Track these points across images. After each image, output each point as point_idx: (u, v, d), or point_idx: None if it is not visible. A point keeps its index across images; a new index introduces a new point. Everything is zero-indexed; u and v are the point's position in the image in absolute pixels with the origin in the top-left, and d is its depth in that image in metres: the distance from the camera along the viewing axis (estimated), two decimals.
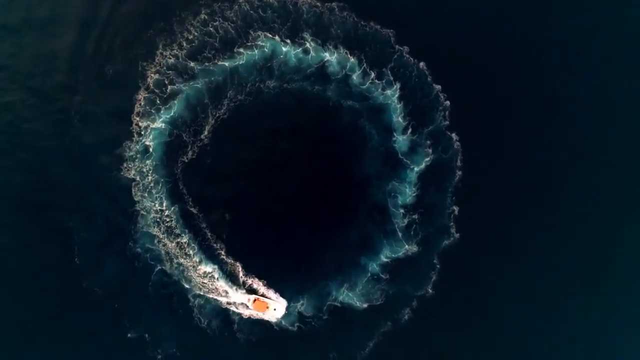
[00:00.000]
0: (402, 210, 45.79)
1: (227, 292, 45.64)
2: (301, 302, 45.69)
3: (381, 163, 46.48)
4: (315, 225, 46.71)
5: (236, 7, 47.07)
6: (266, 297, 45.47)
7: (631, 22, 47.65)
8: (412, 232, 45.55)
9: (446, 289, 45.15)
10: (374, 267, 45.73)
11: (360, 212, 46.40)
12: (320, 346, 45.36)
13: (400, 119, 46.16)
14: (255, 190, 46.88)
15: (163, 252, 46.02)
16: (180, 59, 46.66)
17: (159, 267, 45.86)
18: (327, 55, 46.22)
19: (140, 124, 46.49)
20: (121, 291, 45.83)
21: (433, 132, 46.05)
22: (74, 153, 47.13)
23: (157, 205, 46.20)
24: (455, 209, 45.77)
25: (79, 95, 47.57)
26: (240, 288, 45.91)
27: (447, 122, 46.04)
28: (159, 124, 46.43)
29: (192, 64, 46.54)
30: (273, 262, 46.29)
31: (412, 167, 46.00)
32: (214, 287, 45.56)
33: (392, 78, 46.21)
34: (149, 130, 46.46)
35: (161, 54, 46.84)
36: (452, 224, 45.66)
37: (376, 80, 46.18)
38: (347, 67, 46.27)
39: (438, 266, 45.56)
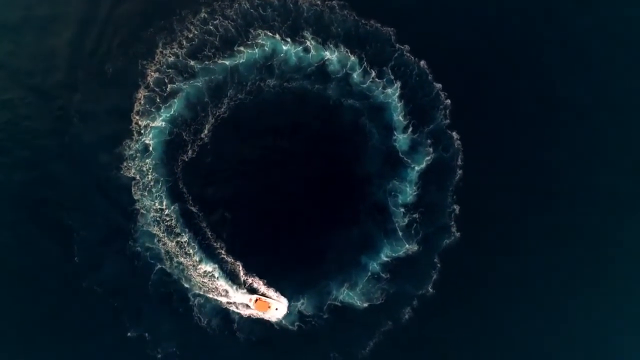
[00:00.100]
0: (402, 209, 45.46)
1: (227, 292, 45.25)
2: (301, 301, 45.34)
3: (382, 162, 46.17)
4: (316, 224, 46.34)
5: (236, 5, 46.74)
6: (267, 297, 45.10)
7: (631, 22, 47.20)
8: (412, 231, 45.22)
9: (447, 288, 44.81)
10: (374, 266, 45.40)
11: (360, 211, 46.06)
12: (320, 345, 45.00)
13: (400, 118, 45.84)
14: (256, 189, 46.54)
15: (163, 251, 45.65)
16: (180, 58, 46.32)
17: (158, 266, 45.46)
18: (327, 54, 45.92)
19: (140, 122, 46.13)
20: (121, 290, 45.41)
21: (434, 130, 45.72)
22: (73, 151, 46.74)
23: (157, 204, 45.83)
24: (456, 208, 45.41)
25: (79, 94, 47.17)
26: (240, 287, 45.56)
27: (447, 121, 45.71)
28: (159, 122, 46.07)
29: (192, 63, 46.21)
30: (273, 261, 45.99)
31: (412, 166, 45.69)
32: (214, 287, 45.19)
33: (392, 77, 45.89)
34: (148, 129, 46.09)
35: (161, 52, 46.48)
36: (452, 223, 45.33)
37: (377, 79, 45.88)
38: (348, 66, 45.96)
39: (439, 265, 45.21)
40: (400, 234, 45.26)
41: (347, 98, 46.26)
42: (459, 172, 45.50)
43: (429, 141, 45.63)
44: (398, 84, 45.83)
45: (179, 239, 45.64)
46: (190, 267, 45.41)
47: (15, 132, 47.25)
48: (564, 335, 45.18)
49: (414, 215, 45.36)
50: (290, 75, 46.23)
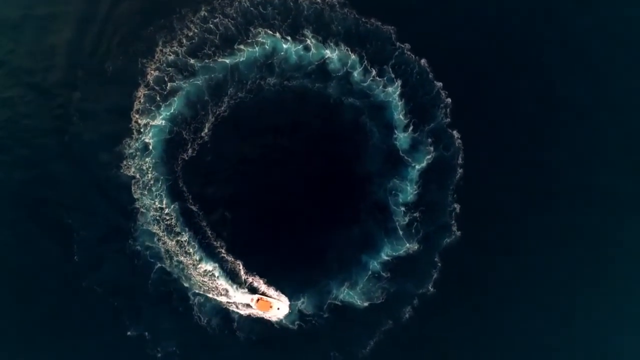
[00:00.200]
0: (403, 208, 45.07)
1: (227, 291, 44.86)
2: (302, 300, 44.94)
3: (382, 161, 45.79)
4: (316, 223, 45.96)
5: (236, 3, 46.40)
6: (268, 296, 44.76)
7: (631, 22, 46.87)
8: (413, 230, 44.84)
9: (447, 287, 44.41)
10: (374, 265, 45.01)
11: (361, 210, 45.68)
12: (320, 345, 44.62)
13: (401, 117, 45.46)
14: (256, 188, 46.17)
15: (163, 250, 45.29)
16: (180, 56, 45.99)
17: (158, 265, 45.10)
18: (328, 53, 45.57)
19: (139, 121, 45.82)
20: (121, 289, 45.06)
21: (434, 129, 45.34)
22: (73, 150, 46.43)
23: (157, 203, 45.50)
24: (457, 207, 45.00)
25: (79, 92, 46.90)
26: (240, 287, 45.18)
27: (448, 120, 45.32)
28: (159, 121, 45.73)
29: (192, 61, 45.89)
30: (273, 260, 45.61)
31: (413, 164, 45.31)
32: (214, 286, 44.82)
33: (393, 75, 45.51)
34: (148, 128, 45.75)
35: (161, 50, 46.16)
36: (453, 222, 44.92)
37: (377, 78, 45.51)
38: (348, 65, 45.58)
39: (439, 264, 44.80)
40: (401, 232, 44.89)
41: (348, 97, 45.91)
42: (460, 170, 45.10)
43: (429, 140, 45.25)
44: (399, 83, 45.45)
45: (179, 238, 45.27)
46: (190, 266, 45.05)
47: (15, 131, 47.00)
48: (564, 335, 44.74)
49: (415, 214, 44.98)
50: (291, 74, 45.87)
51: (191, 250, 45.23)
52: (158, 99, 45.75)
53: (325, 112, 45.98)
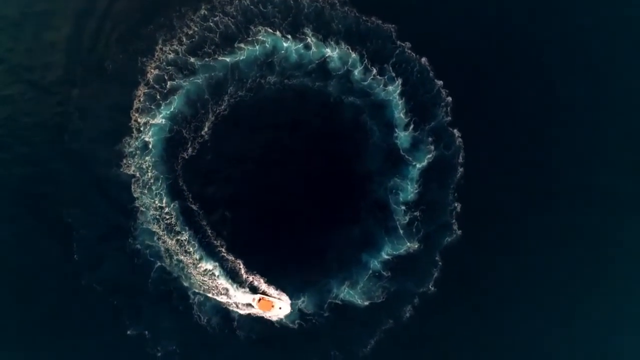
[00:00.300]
0: (403, 207, 44.71)
1: (227, 290, 44.52)
2: (302, 299, 44.63)
3: (383, 160, 45.43)
4: (316, 222, 45.61)
5: (236, 2, 45.97)
6: (270, 296, 44.45)
7: (631, 22, 46.58)
8: (413, 229, 44.50)
9: (448, 286, 44.08)
10: (375, 264, 44.68)
11: (361, 209, 45.32)
12: (321, 344, 44.30)
13: (402, 115, 45.11)
14: (256, 187, 45.83)
15: (163, 248, 44.98)
16: (180, 55, 45.65)
17: (158, 264, 44.78)
18: (328, 51, 45.21)
19: (139, 120, 45.47)
20: (120, 288, 44.72)
21: (435, 128, 44.98)
22: (73, 148, 46.01)
23: (156, 201, 45.17)
24: (457, 205, 44.64)
25: (78, 91, 46.54)
26: (240, 286, 44.84)
27: (449, 118, 44.96)
28: (159, 119, 45.39)
29: (192, 60, 45.53)
30: (274, 259, 45.29)
31: (413, 163, 44.96)
32: (214, 285, 44.50)
33: (393, 74, 45.16)
34: (148, 126, 45.41)
35: (161, 49, 45.79)
36: (454, 221, 44.56)
37: (378, 76, 45.18)
38: (349, 63, 45.24)
39: (440, 263, 44.47)
40: (401, 231, 44.53)
41: (348, 95, 45.56)
42: (460, 169, 44.74)
43: (430, 139, 44.90)
44: (399, 81, 45.09)
45: (179, 237, 44.94)
46: (191, 265, 44.73)
47: (15, 128, 46.65)
48: (564, 335, 44.47)
49: (415, 213, 44.62)
50: (291, 73, 45.53)
51: (191, 249, 44.91)
52: (158, 97, 45.38)
53: (326, 111, 45.63)
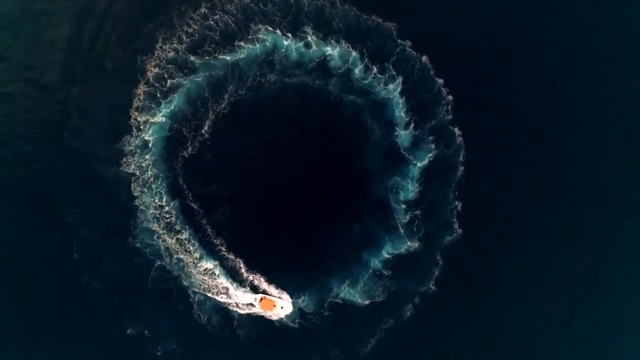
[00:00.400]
0: (404, 206, 44.36)
1: (227, 289, 44.19)
2: (302, 298, 44.28)
3: (383, 158, 45.12)
4: (317, 221, 45.29)
5: (236, 0, 45.79)
6: (271, 295, 44.15)
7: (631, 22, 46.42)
8: (414, 228, 44.16)
9: (449, 285, 43.73)
10: (375, 263, 44.35)
11: (361, 208, 45.00)
12: (321, 343, 43.95)
13: (402, 114, 44.81)
14: (256, 186, 45.52)
15: (163, 247, 44.65)
16: (180, 53, 45.37)
17: (158, 263, 44.45)
18: (328, 50, 44.93)
19: (138, 118, 45.19)
20: (120, 287, 44.38)
21: (435, 127, 44.69)
22: (72, 146, 45.80)
23: (156, 200, 44.84)
24: (458, 204, 44.29)
25: (78, 89, 46.33)
26: (241, 285, 44.50)
27: (449, 117, 44.66)
28: (159, 118, 45.09)
29: (192, 58, 45.24)
30: (274, 258, 44.93)
31: (414, 162, 44.66)
32: (214, 284, 44.18)
33: (394, 72, 44.89)
34: (148, 125, 45.10)
35: (161, 47, 45.56)
36: (454, 219, 44.24)
37: (378, 75, 44.90)
38: (349, 62, 44.96)
39: (440, 262, 44.13)
40: (402, 230, 44.19)
41: (349, 94, 45.28)
42: (461, 168, 44.46)
43: (430, 137, 44.60)
44: (400, 80, 44.81)
45: (179, 236, 44.63)
46: (191, 264, 44.40)
47: (15, 126, 46.50)
48: (564, 335, 44.21)
49: (416, 212, 44.29)
50: (291, 71, 45.25)
51: (191, 248, 44.60)
52: (158, 95, 45.13)
53: (326, 110, 45.35)
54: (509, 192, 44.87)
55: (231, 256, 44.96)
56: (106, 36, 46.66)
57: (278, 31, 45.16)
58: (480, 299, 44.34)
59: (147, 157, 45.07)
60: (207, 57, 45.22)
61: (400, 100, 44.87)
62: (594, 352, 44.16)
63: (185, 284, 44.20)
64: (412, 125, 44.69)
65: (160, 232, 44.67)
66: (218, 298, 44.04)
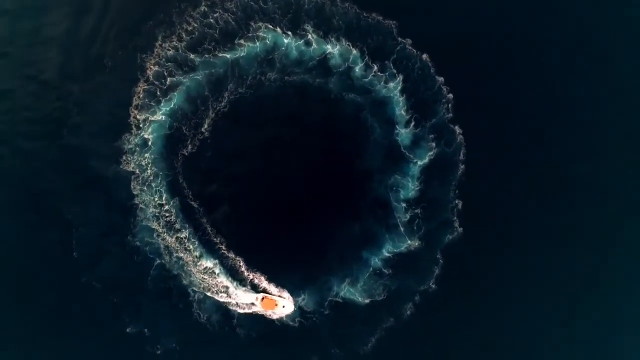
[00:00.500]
0: (404, 205, 44.08)
1: (228, 288, 43.85)
2: (303, 297, 43.94)
3: (384, 157, 44.82)
4: (317, 219, 44.99)
5: None
6: (272, 294, 43.83)
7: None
8: (414, 227, 43.83)
9: (449, 284, 43.42)
10: (376, 262, 44.03)
11: (362, 206, 44.70)
12: (321, 342, 43.60)
13: (403, 112, 44.53)
14: (256, 184, 45.19)
15: (163, 246, 44.34)
16: (180, 51, 45.09)
17: (158, 262, 44.15)
18: (329, 48, 44.62)
19: (138, 117, 44.92)
20: (120, 286, 44.09)
21: (436, 125, 44.38)
22: (72, 144, 45.62)
23: (156, 199, 44.50)
24: (459, 203, 43.93)
25: (78, 86, 46.22)
26: (241, 284, 44.15)
27: (450, 116, 44.34)
28: (159, 116, 44.80)
29: (192, 56, 44.95)
30: (274, 257, 44.63)
31: (415, 161, 44.34)
32: (214, 283, 43.85)
33: (395, 71, 44.56)
34: (148, 123, 44.80)
35: (161, 46, 45.32)
36: (455, 218, 43.91)
37: (379, 73, 44.56)
38: (350, 60, 44.63)
39: (441, 261, 43.77)
40: (402, 229, 43.88)
41: (349, 93, 45.01)
42: (462, 167, 44.15)
43: (431, 136, 44.29)
44: (400, 78, 44.53)
45: (179, 235, 44.32)
46: (191, 263, 44.09)
47: (15, 123, 46.33)
48: (564, 335, 43.88)
49: (416, 211, 43.99)
50: (292, 70, 44.95)
51: (191, 246, 44.31)
52: (158, 94, 44.87)
53: (326, 108, 45.07)
54: (509, 191, 44.52)
55: (231, 255, 44.66)
56: (106, 34, 46.49)
57: (278, 29, 44.87)
58: (480, 298, 43.97)
59: (147, 155, 44.78)
60: (207, 56, 44.93)
61: (401, 99, 44.56)
62: (594, 352, 43.83)
63: (185, 283, 43.87)
64: (413, 123, 44.40)
65: (160, 230, 44.38)
66: (218, 297, 43.68)
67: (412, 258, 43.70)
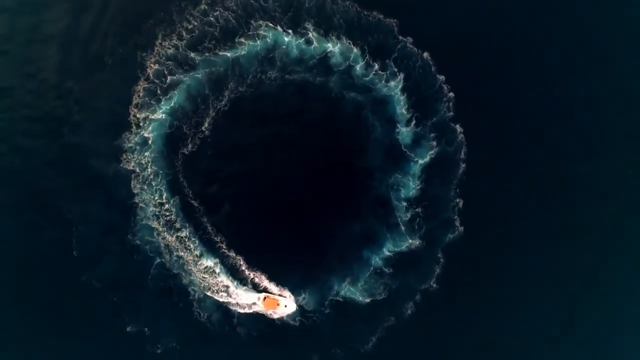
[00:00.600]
0: (405, 204, 43.74)
1: (228, 288, 43.47)
2: (303, 296, 43.55)
3: (384, 155, 44.47)
4: (317, 218, 44.63)
5: None
6: (274, 294, 43.47)
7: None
8: (415, 226, 43.48)
9: (450, 283, 43.02)
10: (376, 261, 43.66)
11: (362, 205, 44.35)
12: (322, 341, 43.21)
13: (403, 111, 44.21)
14: (257, 183, 44.84)
15: (163, 244, 43.95)
16: (180, 50, 44.73)
17: (158, 260, 43.76)
18: (329, 46, 44.28)
19: (138, 115, 44.57)
20: (120, 285, 43.65)
21: (437, 123, 44.04)
22: (72, 142, 45.25)
23: (156, 197, 44.13)
24: (460, 202, 43.57)
25: (78, 84, 45.90)
26: (241, 283, 43.78)
27: (451, 114, 44.01)
28: (159, 115, 44.43)
29: (192, 55, 44.60)
30: (274, 255, 44.27)
31: (415, 159, 44.01)
32: (214, 282, 43.45)
33: (395, 69, 44.23)
34: (148, 122, 44.43)
35: (160, 44, 44.96)
36: (456, 217, 43.53)
37: (379, 72, 44.23)
38: (351, 58, 44.32)
39: (442, 260, 43.39)
40: (403, 228, 43.53)
41: (350, 91, 44.67)
42: (463, 165, 43.80)
43: (432, 134, 43.96)
44: (401, 77, 44.18)
45: (179, 234, 43.92)
46: (191, 261, 43.69)
47: (14, 121, 45.97)
48: (564, 335, 43.56)
49: (417, 210, 43.64)
50: (292, 68, 44.59)
51: (191, 245, 43.94)
52: (158, 92, 44.52)
53: (327, 107, 44.72)
54: (510, 190, 44.17)
55: (232, 254, 44.29)
56: (106, 32, 46.14)
57: (279, 27, 44.51)
58: (481, 297, 43.58)
59: (146, 154, 44.42)
60: (207, 54, 44.58)
61: (402, 97, 44.24)
62: (594, 352, 43.52)
63: (185, 281, 43.50)
64: (414, 122, 44.08)
65: (160, 229, 44.00)
66: (218, 297, 43.29)
67: (412, 257, 43.34)
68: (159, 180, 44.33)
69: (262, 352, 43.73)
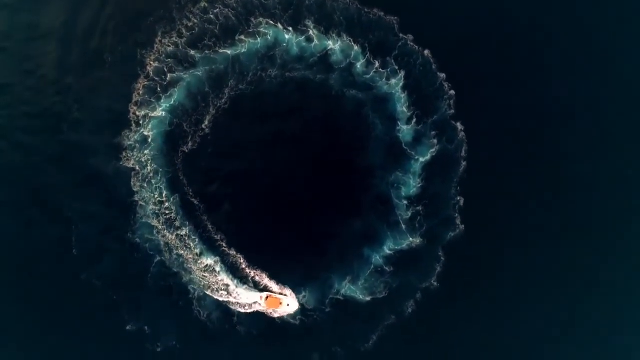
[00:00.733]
0: (406, 202, 43.31)
1: (228, 286, 43.05)
2: (303, 294, 43.16)
3: (385, 154, 44.01)
4: (318, 216, 44.18)
5: None
6: (275, 293, 43.10)
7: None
8: (416, 224, 43.05)
9: (451, 282, 42.65)
10: (377, 259, 43.27)
11: (363, 203, 43.91)
12: (322, 339, 42.88)
13: (404, 109, 43.74)
14: (257, 181, 44.44)
15: (162, 243, 43.52)
16: (180, 47, 44.24)
17: (158, 259, 43.37)
18: (330, 44, 43.81)
19: (137, 113, 44.13)
20: (120, 283, 43.31)
21: (438, 121, 43.57)
22: (72, 139, 44.83)
23: (156, 195, 43.68)
24: (460, 200, 43.14)
25: (78, 82, 45.45)
26: (242, 282, 43.37)
27: (452, 112, 43.53)
28: (159, 112, 44.01)
29: (192, 52, 44.10)
30: (275, 254, 43.88)
31: (416, 157, 43.56)
32: (215, 281, 43.07)
33: (396, 67, 43.76)
34: (148, 120, 43.99)
35: (160, 41, 44.46)
36: (457, 215, 43.10)
37: (380, 69, 43.78)
38: (351, 56, 43.85)
39: (443, 258, 42.99)
40: (404, 226, 43.09)
41: (350, 89, 44.18)
42: (463, 163, 43.36)
43: (433, 132, 43.49)
44: (402, 74, 43.72)
45: (179, 232, 43.50)
46: (191, 260, 43.30)
47: (14, 118, 45.60)
48: (564, 334, 43.26)
49: (418, 208, 43.21)
50: (292, 66, 44.12)
51: (191, 244, 43.55)
52: (158, 90, 44.07)
53: (328, 105, 44.25)
54: (511, 188, 43.75)
55: (232, 252, 43.90)
56: (105, 29, 45.69)
57: (279, 25, 44.05)
58: (481, 295, 43.18)
59: (146, 152, 43.97)
60: (207, 51, 44.10)
61: (402, 95, 43.79)
62: (594, 352, 43.20)
63: (185, 280, 43.10)
64: (414, 120, 43.63)
65: (160, 227, 43.56)
66: (218, 296, 42.90)
67: (413, 255, 42.95)
68: (159, 178, 43.90)
69: (262, 350, 43.37)
